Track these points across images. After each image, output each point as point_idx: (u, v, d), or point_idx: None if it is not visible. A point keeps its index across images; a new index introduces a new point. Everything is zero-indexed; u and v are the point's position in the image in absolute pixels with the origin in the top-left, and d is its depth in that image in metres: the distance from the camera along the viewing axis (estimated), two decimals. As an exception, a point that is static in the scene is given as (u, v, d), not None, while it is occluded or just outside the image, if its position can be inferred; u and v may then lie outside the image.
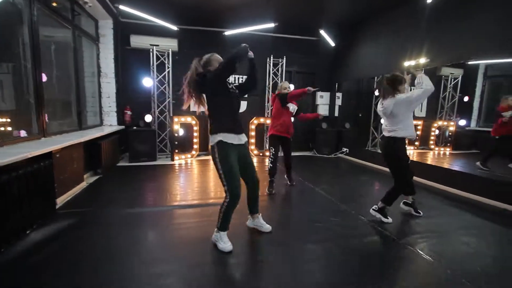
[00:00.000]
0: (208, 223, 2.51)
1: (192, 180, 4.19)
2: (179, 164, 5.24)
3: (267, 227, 2.38)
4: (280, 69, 6.15)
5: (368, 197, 3.56)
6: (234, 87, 2.18)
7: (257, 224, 2.39)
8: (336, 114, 6.82)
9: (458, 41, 3.67)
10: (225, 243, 2.03)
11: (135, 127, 5.22)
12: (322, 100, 6.75)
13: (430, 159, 6.22)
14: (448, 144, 7.07)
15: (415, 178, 2.90)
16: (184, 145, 5.75)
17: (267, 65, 6.09)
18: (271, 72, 6.11)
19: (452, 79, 7.14)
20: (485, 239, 2.38)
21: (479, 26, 3.40)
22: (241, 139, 2.10)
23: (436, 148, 7.06)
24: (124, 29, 5.26)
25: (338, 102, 6.78)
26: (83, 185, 3.59)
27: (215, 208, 2.73)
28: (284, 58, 6.05)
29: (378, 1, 4.58)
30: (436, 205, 3.24)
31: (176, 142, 5.42)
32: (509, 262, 2.05)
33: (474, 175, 3.83)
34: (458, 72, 7.10)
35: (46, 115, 3.18)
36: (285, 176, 3.89)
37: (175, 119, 5.37)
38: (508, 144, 4.18)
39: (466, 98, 7.31)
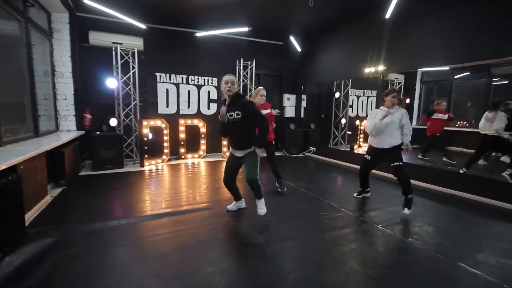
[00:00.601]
0: (184, 232, 2.46)
1: (164, 187, 3.97)
2: (149, 170, 4.96)
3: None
4: (249, 72, 6.26)
5: (343, 190, 3.89)
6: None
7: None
8: (302, 115, 7.22)
9: (411, 51, 4.26)
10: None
11: (98, 132, 4.77)
12: (289, 102, 7.07)
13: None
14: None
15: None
16: (153, 150, 5.44)
17: (237, 67, 6.15)
18: (241, 75, 6.19)
19: (397, 83, 8.19)
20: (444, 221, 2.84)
21: (427, 39, 4.01)
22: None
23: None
24: (82, 25, 4.77)
25: (304, 104, 7.19)
26: (48, 199, 3.17)
27: (190, 215, 2.84)
28: (254, 61, 6.18)
29: (342, 13, 5.01)
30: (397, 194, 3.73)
31: (146, 147, 5.11)
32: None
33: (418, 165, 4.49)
34: (401, 77, 8.19)
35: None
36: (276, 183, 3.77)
37: (144, 123, 5.06)
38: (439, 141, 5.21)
39: (408, 100, 8.45)
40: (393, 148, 2.96)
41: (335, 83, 7.04)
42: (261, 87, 3.68)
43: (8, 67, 3.29)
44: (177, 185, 4.08)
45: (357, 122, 7.78)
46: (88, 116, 4.97)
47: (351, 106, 8.06)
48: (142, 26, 4.93)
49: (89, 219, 2.71)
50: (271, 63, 6.74)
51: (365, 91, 8.10)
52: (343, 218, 2.85)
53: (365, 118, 7.93)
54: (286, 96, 7.02)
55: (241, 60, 6.10)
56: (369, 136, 3.14)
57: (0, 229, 1.99)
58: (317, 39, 6.43)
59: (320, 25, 5.70)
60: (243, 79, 6.24)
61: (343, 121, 7.11)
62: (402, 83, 8.11)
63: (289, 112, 7.11)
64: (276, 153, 6.77)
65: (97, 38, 4.86)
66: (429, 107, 8.39)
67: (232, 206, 3.01)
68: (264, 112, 3.46)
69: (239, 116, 2.47)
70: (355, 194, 3.49)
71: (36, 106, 3.71)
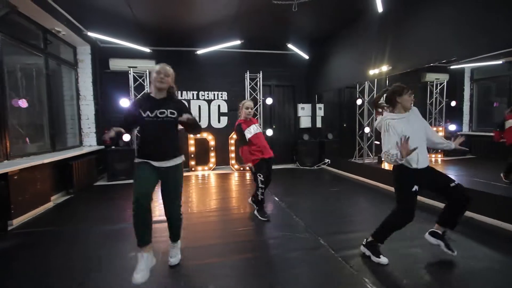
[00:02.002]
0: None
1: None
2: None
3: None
4: (258, 83, 6.23)
5: (326, 208, 3.45)
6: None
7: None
8: (319, 125, 6.78)
9: (417, 47, 3.65)
10: None
11: (113, 147, 5.35)
12: (303, 112, 6.75)
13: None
14: (439, 151, 6.86)
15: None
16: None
17: (245, 80, 6.20)
18: (248, 87, 6.20)
19: (438, 84, 7.04)
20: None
21: (435, 31, 3.38)
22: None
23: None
24: (104, 54, 5.52)
25: (320, 113, 6.77)
26: (49, 205, 3.66)
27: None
28: (261, 73, 6.15)
29: (341, 14, 4.67)
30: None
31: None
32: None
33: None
34: (443, 77, 7.01)
35: (26, 138, 3.36)
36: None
37: (153, 137, 5.48)
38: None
39: (453, 103, 7.16)
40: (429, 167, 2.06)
41: (357, 89, 6.46)
42: (246, 99, 3.21)
43: (30, 94, 4.01)
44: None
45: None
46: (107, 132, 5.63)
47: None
48: (147, 50, 5.44)
49: (77, 223, 3.04)
50: (282, 73, 6.60)
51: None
52: (302, 240, 2.51)
53: None
54: (300, 106, 6.73)
55: (247, 72, 6.13)
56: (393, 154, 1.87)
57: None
58: (324, 44, 6.08)
59: (320, 31, 5.41)
60: (250, 91, 6.24)
61: (367, 130, 6.41)
62: (445, 83, 6.95)
63: (304, 123, 6.77)
64: (290, 166, 6.56)
65: (116, 64, 5.55)
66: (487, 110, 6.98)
67: (144, 273, 1.74)
68: (250, 131, 2.98)
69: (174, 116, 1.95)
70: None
71: (54, 126, 4.37)
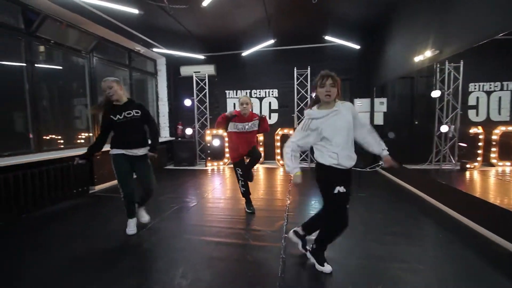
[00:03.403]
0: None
1: (215, 182, 4.92)
2: (211, 169, 6.15)
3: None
4: (307, 79, 6.10)
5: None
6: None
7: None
8: (380, 122, 5.96)
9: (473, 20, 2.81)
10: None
11: (179, 138, 6.57)
12: (361, 108, 6.09)
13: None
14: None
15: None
16: (220, 154, 6.62)
17: (294, 77, 6.19)
18: (296, 83, 6.16)
19: None
20: None
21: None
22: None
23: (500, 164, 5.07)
24: (176, 63, 6.78)
25: (382, 108, 5.92)
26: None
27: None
28: (309, 68, 5.98)
29: None
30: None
31: (209, 151, 6.38)
32: None
33: None
34: None
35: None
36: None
37: (208, 132, 6.37)
38: None
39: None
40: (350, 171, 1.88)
41: (435, 78, 5.30)
42: (243, 95, 3.18)
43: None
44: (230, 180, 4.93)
45: (478, 130, 5.40)
46: (180, 127, 6.92)
47: (475, 106, 5.63)
48: (201, 56, 6.29)
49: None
50: (334, 67, 6.13)
51: (505, 83, 5.43)
52: (267, 236, 2.58)
53: (506, 123, 5.31)
54: (357, 102, 6.10)
55: (295, 69, 6.09)
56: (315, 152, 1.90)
57: (76, 185, 3.74)
58: (375, 31, 5.26)
59: (372, 14, 4.74)
60: (298, 88, 6.18)
61: (444, 128, 5.21)
62: None
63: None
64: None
65: (185, 70, 6.73)
66: None
67: (133, 227, 2.66)
68: (237, 127, 3.05)
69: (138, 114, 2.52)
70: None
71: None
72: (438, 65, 4.95)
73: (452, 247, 2.28)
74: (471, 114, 5.67)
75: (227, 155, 6.55)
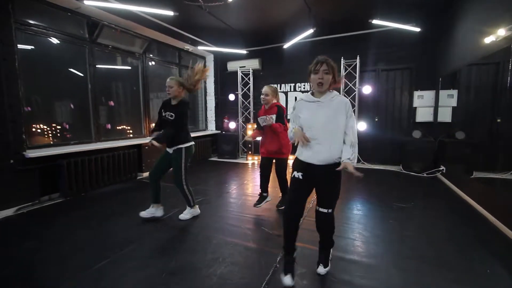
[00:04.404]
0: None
1: (248, 176, 5.05)
2: (251, 163, 6.24)
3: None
4: (357, 70, 5.49)
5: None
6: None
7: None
8: (447, 118, 4.96)
9: None
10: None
11: (223, 132, 6.84)
12: (421, 101, 5.18)
13: None
14: None
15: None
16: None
17: (342, 68, 5.66)
18: (343, 74, 5.61)
19: None
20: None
21: None
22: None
23: None
24: (223, 58, 7.00)
25: (451, 102, 4.91)
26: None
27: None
28: (358, 58, 5.36)
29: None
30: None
31: (250, 145, 6.46)
32: None
33: None
34: None
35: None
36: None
37: (248, 126, 6.44)
38: None
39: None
40: (327, 167, 1.71)
41: None
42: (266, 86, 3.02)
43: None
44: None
45: None
46: (226, 121, 7.20)
47: None
48: (244, 51, 6.28)
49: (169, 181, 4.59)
50: (392, 54, 5.35)
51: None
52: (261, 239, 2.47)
53: None
54: (417, 93, 5.20)
55: (342, 59, 5.54)
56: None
57: (125, 173, 4.35)
58: (443, 8, 4.26)
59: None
60: (345, 81, 5.62)
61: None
62: None
63: (423, 115, 5.19)
64: (391, 168, 5.25)
65: (231, 66, 6.91)
66: None
67: (146, 212, 2.90)
68: (268, 118, 2.82)
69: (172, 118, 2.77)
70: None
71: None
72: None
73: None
74: None
75: (268, 150, 6.51)
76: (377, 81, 5.57)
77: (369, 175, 4.86)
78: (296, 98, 3.00)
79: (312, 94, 1.78)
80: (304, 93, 1.84)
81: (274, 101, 3.02)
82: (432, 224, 2.78)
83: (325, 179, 1.73)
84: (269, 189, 3.26)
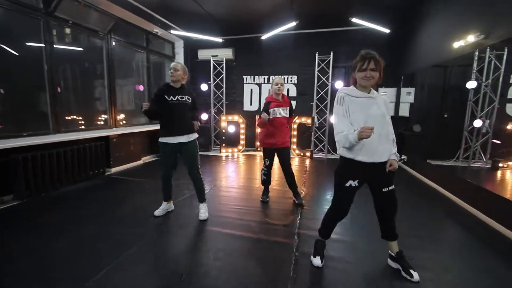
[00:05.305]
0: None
1: (229, 169, 4.88)
2: (225, 156, 6.10)
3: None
4: (329, 66, 5.76)
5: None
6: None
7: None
8: (406, 113, 5.57)
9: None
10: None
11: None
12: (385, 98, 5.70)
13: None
14: None
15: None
16: (235, 140, 6.54)
17: (316, 63, 5.86)
18: (317, 69, 5.84)
19: None
20: None
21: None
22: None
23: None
24: (194, 46, 6.62)
25: (409, 99, 5.52)
26: (139, 163, 5.09)
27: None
28: (331, 54, 5.63)
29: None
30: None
31: (224, 137, 6.30)
32: None
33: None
34: None
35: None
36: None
37: (223, 117, 6.27)
38: None
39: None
40: (384, 164, 1.69)
41: (474, 68, 4.82)
42: (276, 77, 3.01)
43: (137, 82, 5.51)
44: (247, 168, 4.90)
45: (514, 127, 4.93)
46: (196, 112, 6.87)
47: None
48: (219, 40, 6.07)
49: (155, 177, 4.09)
50: (358, 52, 5.74)
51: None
52: (278, 231, 2.48)
53: None
54: (381, 90, 5.72)
55: (316, 54, 5.75)
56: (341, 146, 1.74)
57: (92, 168, 3.81)
58: (410, 12, 4.77)
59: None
60: (319, 75, 5.86)
61: (478, 123, 4.79)
62: None
63: (386, 110, 5.73)
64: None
65: (202, 54, 6.58)
66: None
67: (161, 210, 2.76)
68: (275, 112, 2.89)
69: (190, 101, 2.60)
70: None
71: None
72: (477, 53, 4.48)
73: (482, 255, 2.07)
74: (509, 108, 5.16)
75: (242, 142, 6.46)
76: (347, 77, 5.94)
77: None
78: (272, 88, 3.01)
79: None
80: (345, 88, 1.77)
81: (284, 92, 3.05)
82: (408, 204, 3.14)
83: (383, 172, 1.70)
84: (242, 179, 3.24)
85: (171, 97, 2.50)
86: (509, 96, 5.06)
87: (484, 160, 4.85)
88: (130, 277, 1.76)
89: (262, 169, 3.16)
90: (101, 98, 4.63)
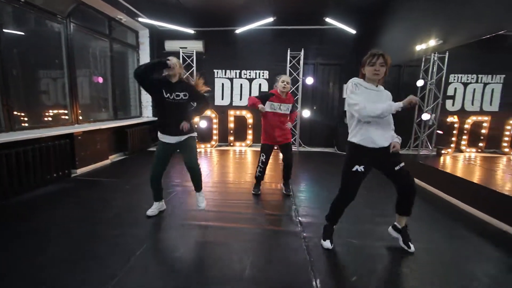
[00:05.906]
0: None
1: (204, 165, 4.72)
2: (198, 152, 5.91)
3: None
4: (300, 62, 6.00)
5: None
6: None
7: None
8: (367, 108, 6.15)
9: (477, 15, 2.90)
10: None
11: (164, 119, 6.19)
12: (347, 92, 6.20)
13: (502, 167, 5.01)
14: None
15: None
16: (208, 136, 6.38)
17: (287, 59, 6.04)
18: (289, 65, 6.04)
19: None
20: None
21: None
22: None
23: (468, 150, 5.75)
24: (160, 36, 6.23)
25: (370, 95, 6.09)
26: (107, 162, 4.64)
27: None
28: (302, 51, 5.88)
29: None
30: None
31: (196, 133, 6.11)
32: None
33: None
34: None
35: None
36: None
37: (195, 112, 6.08)
38: None
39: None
40: (387, 149, 1.88)
41: (421, 69, 5.53)
42: (283, 75, 3.08)
43: (99, 73, 4.99)
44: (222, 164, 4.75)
45: (454, 119, 5.87)
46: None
47: (452, 97, 6.05)
48: (191, 31, 5.86)
49: (127, 177, 3.79)
50: (328, 51, 6.13)
51: (481, 76, 5.86)
52: (282, 220, 2.57)
53: (476, 114, 5.82)
54: (345, 86, 6.19)
55: (288, 51, 5.94)
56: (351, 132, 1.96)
57: (56, 170, 3.34)
58: (373, 15, 5.28)
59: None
60: (291, 70, 6.07)
61: (425, 116, 5.53)
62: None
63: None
64: (328, 150, 6.24)
65: (170, 45, 6.23)
66: None
67: (154, 210, 2.62)
68: (274, 107, 2.94)
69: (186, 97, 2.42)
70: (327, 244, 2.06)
71: (116, 100, 5.35)
72: (424, 55, 5.14)
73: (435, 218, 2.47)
74: (448, 104, 6.11)
75: (214, 137, 6.36)
76: (316, 74, 6.27)
77: (310, 156, 5.59)
78: (278, 85, 3.08)
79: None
80: (358, 79, 1.93)
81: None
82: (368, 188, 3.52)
83: (388, 155, 1.88)
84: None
85: (168, 94, 2.35)
86: (448, 94, 6.01)
87: (430, 148, 5.69)
88: (148, 280, 1.66)
89: (258, 165, 3.18)
90: (57, 91, 4.09)
